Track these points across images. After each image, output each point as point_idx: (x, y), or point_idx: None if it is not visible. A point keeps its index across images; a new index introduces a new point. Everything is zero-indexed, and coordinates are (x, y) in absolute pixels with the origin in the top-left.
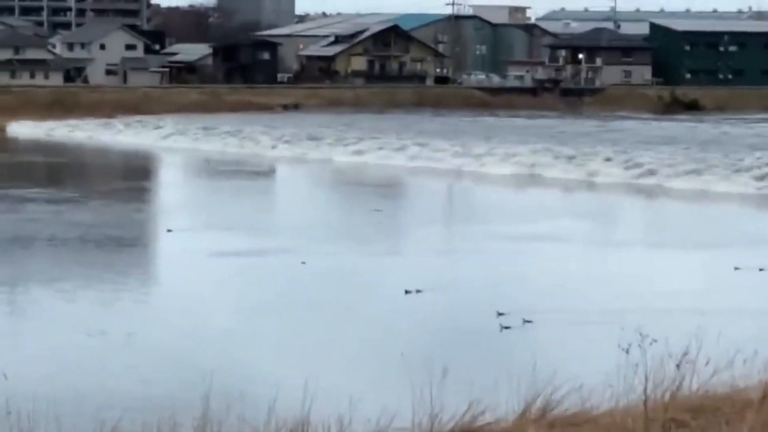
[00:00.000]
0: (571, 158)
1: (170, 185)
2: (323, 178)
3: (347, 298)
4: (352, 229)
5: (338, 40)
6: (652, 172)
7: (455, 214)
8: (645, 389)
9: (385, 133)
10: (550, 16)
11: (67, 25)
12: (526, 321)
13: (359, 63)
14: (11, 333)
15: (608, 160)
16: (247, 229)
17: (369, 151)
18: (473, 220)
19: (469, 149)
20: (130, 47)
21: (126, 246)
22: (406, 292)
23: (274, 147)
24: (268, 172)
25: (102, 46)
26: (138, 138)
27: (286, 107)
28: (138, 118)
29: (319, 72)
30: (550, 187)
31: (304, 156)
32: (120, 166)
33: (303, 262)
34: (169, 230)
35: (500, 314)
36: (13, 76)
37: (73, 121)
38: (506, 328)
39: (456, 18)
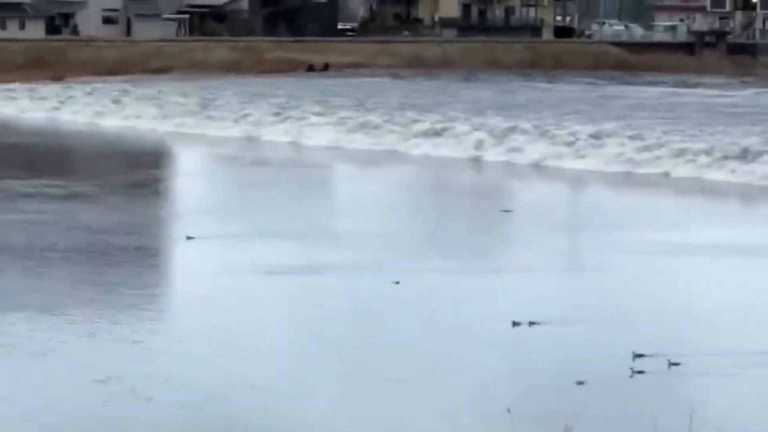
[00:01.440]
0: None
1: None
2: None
3: (439, 332)
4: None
5: None
6: None
7: (581, 218)
8: None
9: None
10: None
11: None
12: (672, 364)
13: (450, 8)
14: None
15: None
16: (305, 237)
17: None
18: (602, 227)
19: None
20: None
21: (141, 258)
22: (514, 324)
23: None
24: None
25: None
26: None
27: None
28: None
29: (394, 20)
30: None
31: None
32: None
33: (396, 282)
34: (189, 237)
35: (638, 356)
36: None
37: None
38: (639, 372)
39: None
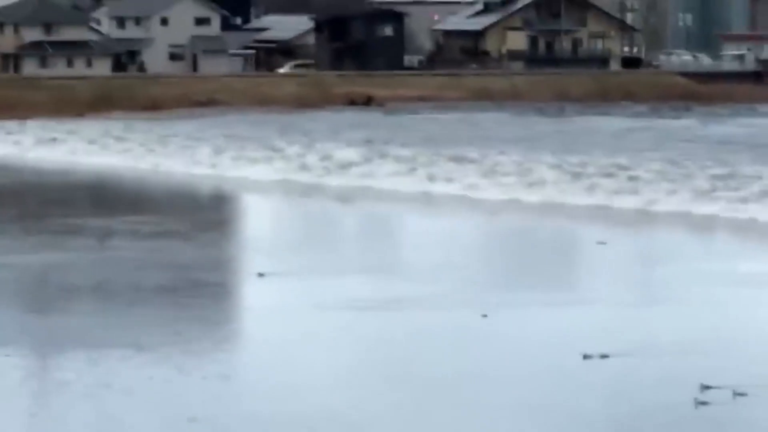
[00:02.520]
0: None
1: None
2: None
3: (516, 365)
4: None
5: (488, 8)
6: None
7: (652, 251)
8: None
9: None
10: None
11: None
12: (737, 394)
13: (518, 40)
14: (75, 418)
15: None
16: (384, 272)
17: None
18: (677, 259)
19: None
20: (201, 22)
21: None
22: (585, 357)
23: None
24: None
25: (164, 21)
26: None
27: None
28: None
29: (461, 53)
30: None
31: None
32: None
33: (484, 315)
34: (260, 274)
35: (706, 387)
36: (43, 64)
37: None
38: (702, 404)
39: None
